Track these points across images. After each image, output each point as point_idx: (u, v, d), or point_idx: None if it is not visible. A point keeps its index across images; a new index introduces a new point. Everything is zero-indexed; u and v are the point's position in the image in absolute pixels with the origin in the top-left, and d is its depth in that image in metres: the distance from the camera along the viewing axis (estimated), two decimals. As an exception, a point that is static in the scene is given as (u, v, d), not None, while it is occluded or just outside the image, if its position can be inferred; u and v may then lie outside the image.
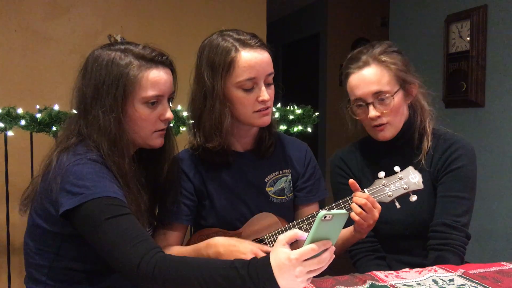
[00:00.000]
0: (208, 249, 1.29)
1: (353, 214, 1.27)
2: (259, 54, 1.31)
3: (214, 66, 1.31)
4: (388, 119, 1.45)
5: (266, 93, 1.31)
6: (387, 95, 1.43)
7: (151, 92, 1.20)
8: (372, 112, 1.44)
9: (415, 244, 1.49)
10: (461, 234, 1.40)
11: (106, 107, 1.17)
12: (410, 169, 1.30)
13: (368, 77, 1.44)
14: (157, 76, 1.21)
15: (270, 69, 1.34)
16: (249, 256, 1.21)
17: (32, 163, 2.43)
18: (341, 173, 1.61)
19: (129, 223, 1.05)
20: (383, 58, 1.46)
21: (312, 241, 0.90)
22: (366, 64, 1.45)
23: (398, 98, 1.45)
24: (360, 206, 1.26)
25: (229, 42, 1.31)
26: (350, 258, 1.58)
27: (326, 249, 0.91)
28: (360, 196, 1.26)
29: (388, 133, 1.47)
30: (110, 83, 1.17)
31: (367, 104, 1.45)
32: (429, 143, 1.49)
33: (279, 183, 1.46)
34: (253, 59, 1.30)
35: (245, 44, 1.31)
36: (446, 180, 1.45)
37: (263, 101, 1.32)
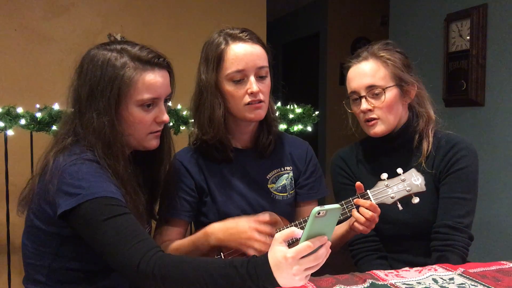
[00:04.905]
0: (207, 238, 1.29)
1: (356, 225, 1.28)
2: (249, 46, 1.34)
3: (208, 60, 1.35)
4: (379, 114, 1.46)
5: (255, 85, 1.32)
6: (380, 89, 1.44)
7: (146, 95, 1.19)
8: (364, 105, 1.46)
9: (417, 244, 1.49)
10: (464, 235, 1.40)
11: (100, 109, 1.16)
12: (413, 171, 1.30)
13: (364, 70, 1.47)
14: (153, 79, 1.20)
15: (261, 62, 1.35)
16: (250, 233, 1.23)
17: (32, 163, 2.43)
18: (342, 173, 1.62)
19: (128, 223, 1.05)
20: (381, 53, 1.48)
21: (308, 238, 0.90)
22: (364, 58, 1.49)
23: (390, 94, 1.45)
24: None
25: (222, 36, 1.35)
26: (352, 258, 1.58)
27: (322, 245, 0.91)
28: (367, 208, 1.26)
29: (378, 129, 1.47)
30: (105, 85, 1.16)
31: (360, 98, 1.47)
32: (430, 145, 1.49)
33: (280, 180, 1.46)
34: (242, 51, 1.32)
35: (235, 38, 1.34)
36: (449, 181, 1.46)
37: (253, 93, 1.33)
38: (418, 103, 1.53)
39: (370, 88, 1.45)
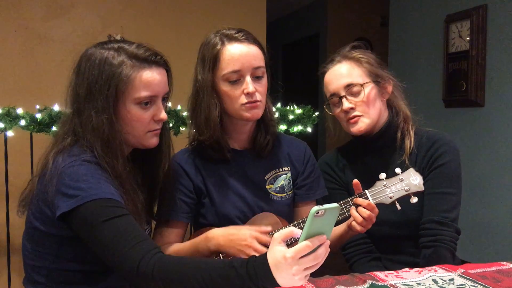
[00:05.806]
0: (207, 242, 1.29)
1: (354, 224, 1.28)
2: (245, 47, 1.34)
3: (204, 60, 1.36)
4: (361, 110, 1.48)
5: (251, 86, 1.32)
6: (358, 86, 1.47)
7: (144, 93, 1.19)
8: (345, 104, 1.48)
9: (407, 243, 1.50)
10: (451, 229, 1.41)
11: (98, 107, 1.16)
12: (411, 170, 1.31)
13: (340, 71, 1.50)
14: (150, 76, 1.20)
15: (258, 62, 1.35)
16: (249, 241, 1.23)
17: (32, 163, 2.43)
18: (328, 178, 1.62)
19: (127, 224, 1.04)
20: (353, 54, 1.52)
21: (307, 238, 0.90)
22: (338, 61, 1.53)
23: (369, 89, 1.48)
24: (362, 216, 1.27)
25: (218, 37, 1.36)
26: (346, 261, 1.58)
27: (321, 245, 0.91)
28: (365, 207, 1.26)
29: (362, 125, 1.49)
30: (103, 83, 1.16)
31: (340, 98, 1.49)
32: (412, 143, 1.51)
33: (278, 181, 1.46)
34: (237, 51, 1.32)
35: (231, 38, 1.34)
36: (432, 177, 1.47)
37: (249, 94, 1.33)
38: (395, 100, 1.55)
39: (349, 87, 1.48)
